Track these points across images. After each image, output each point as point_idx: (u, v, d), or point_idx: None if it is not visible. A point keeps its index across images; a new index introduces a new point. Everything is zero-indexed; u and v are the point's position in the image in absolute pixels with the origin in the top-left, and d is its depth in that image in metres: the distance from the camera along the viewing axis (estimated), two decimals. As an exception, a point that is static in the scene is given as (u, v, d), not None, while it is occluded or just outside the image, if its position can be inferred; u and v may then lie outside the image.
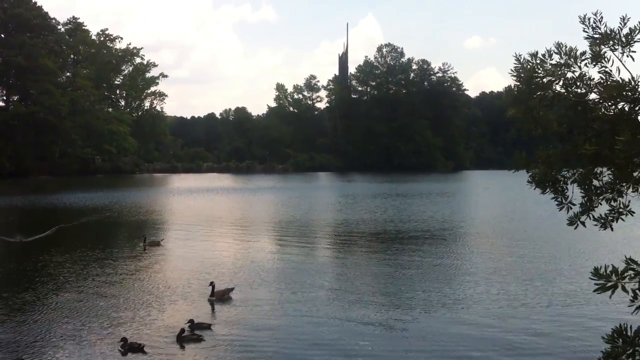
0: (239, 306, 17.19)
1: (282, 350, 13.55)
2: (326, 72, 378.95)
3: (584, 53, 5.68)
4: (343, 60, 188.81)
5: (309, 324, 15.46)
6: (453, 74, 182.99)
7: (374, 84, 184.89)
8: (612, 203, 5.92)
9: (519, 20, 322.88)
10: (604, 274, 5.12)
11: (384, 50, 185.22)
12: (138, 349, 13.33)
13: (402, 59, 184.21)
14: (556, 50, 5.72)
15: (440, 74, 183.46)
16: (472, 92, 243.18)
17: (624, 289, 5.17)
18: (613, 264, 5.24)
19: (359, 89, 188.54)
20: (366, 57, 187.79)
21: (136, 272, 22.32)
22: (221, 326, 15.23)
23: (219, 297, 17.70)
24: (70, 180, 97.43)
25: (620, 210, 5.88)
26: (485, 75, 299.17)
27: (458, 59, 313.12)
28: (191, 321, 14.62)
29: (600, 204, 6.01)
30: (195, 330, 14.40)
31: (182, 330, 14.10)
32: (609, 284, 5.12)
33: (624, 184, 5.75)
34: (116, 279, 20.96)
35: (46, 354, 13.18)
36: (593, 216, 5.96)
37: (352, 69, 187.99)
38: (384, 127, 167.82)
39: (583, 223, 6.05)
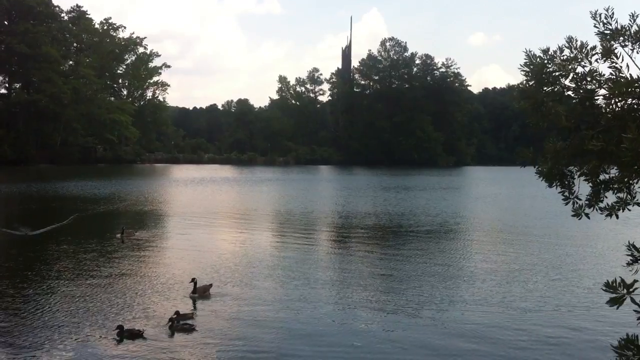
0: (225, 301, 16.82)
1: (270, 342, 13.53)
2: (329, 66, 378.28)
3: (594, 48, 5.69)
4: (346, 54, 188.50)
5: (300, 320, 15.25)
6: (456, 69, 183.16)
7: (376, 78, 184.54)
8: (619, 194, 5.93)
9: (523, 17, 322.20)
10: (614, 285, 5.11)
11: (388, 44, 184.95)
12: (138, 334, 13.55)
13: (405, 54, 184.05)
14: (567, 45, 5.73)
15: (443, 70, 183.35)
16: (475, 88, 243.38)
17: (633, 301, 5.18)
18: (622, 277, 5.23)
19: (362, 82, 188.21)
20: (369, 51, 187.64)
21: (126, 265, 21.92)
22: (207, 319, 15.08)
23: (201, 293, 17.03)
24: (72, 169, 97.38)
25: (628, 201, 5.90)
26: (488, 71, 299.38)
27: (461, 55, 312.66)
28: (177, 313, 14.70)
29: (606, 197, 6.04)
30: (181, 321, 14.47)
31: (171, 320, 14.19)
32: (618, 296, 5.11)
33: (633, 180, 5.76)
34: (113, 272, 20.72)
35: (41, 344, 13.24)
36: (599, 207, 5.99)
37: (355, 63, 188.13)
38: (386, 121, 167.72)
39: (587, 215, 6.08)
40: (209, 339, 13.64)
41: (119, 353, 12.76)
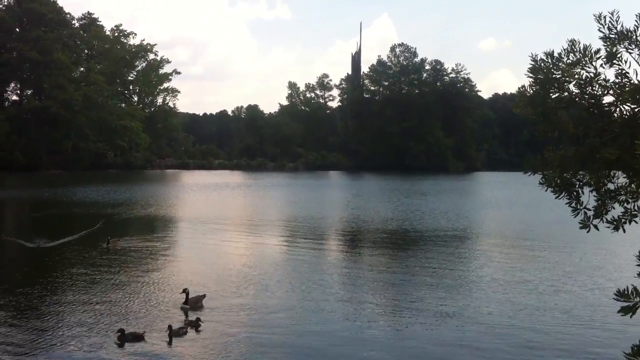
0: (219, 311, 16.47)
1: (272, 349, 13.45)
2: (339, 71, 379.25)
3: (598, 51, 5.49)
4: (356, 59, 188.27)
5: (303, 330, 15.03)
6: (466, 74, 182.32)
7: (386, 83, 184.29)
8: (626, 205, 5.72)
9: (534, 23, 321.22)
10: (627, 293, 4.95)
11: (397, 50, 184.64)
12: (141, 337, 13.68)
13: (415, 59, 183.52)
14: (570, 49, 5.53)
15: (453, 75, 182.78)
16: (485, 93, 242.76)
17: None
18: (634, 284, 5.08)
19: (372, 88, 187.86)
20: (379, 56, 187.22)
21: (112, 275, 21.37)
22: (208, 327, 14.94)
23: (193, 304, 16.50)
24: (83, 175, 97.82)
25: (634, 212, 5.68)
26: (498, 76, 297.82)
27: (472, 60, 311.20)
28: (184, 321, 14.77)
29: (614, 208, 5.83)
30: (182, 327, 14.48)
31: (170, 328, 14.11)
32: (630, 304, 4.96)
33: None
34: (104, 280, 20.40)
35: (43, 349, 13.23)
36: (606, 219, 5.78)
37: (365, 69, 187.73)
38: (396, 127, 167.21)
39: (596, 226, 5.88)
40: (210, 345, 13.59)
41: (121, 356, 12.76)
